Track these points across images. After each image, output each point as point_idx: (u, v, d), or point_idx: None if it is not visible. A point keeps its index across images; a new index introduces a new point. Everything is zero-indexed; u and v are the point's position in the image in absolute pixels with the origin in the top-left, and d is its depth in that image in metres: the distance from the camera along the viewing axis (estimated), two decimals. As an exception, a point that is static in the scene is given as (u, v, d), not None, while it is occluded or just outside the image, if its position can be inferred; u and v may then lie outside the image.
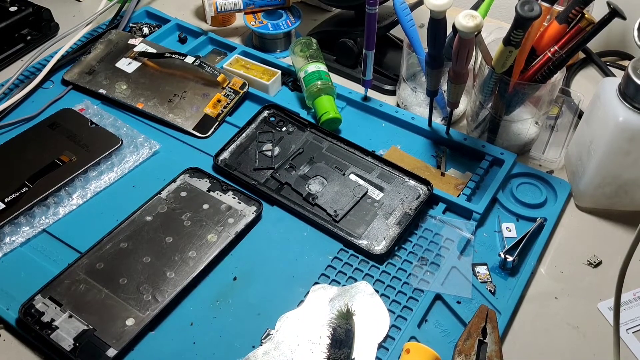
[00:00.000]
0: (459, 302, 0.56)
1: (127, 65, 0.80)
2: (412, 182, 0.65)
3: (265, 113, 0.73)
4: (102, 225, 0.61)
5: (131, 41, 0.83)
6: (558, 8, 0.63)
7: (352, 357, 0.51)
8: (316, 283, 0.57)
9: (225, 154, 0.69)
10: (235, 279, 0.58)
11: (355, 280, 0.58)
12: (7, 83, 0.77)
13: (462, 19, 0.56)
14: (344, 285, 0.57)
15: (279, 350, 0.52)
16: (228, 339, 0.53)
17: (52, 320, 0.53)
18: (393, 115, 0.74)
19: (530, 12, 0.54)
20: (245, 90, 0.77)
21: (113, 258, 0.58)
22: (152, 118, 0.74)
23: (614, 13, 0.56)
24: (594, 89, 0.63)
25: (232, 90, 0.77)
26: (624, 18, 0.56)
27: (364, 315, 0.54)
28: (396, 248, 0.60)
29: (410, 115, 0.74)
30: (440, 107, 0.76)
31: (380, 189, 0.65)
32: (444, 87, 0.71)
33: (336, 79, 0.81)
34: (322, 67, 0.76)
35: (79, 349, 0.51)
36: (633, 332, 0.55)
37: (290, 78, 0.80)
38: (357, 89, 0.78)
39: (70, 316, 0.53)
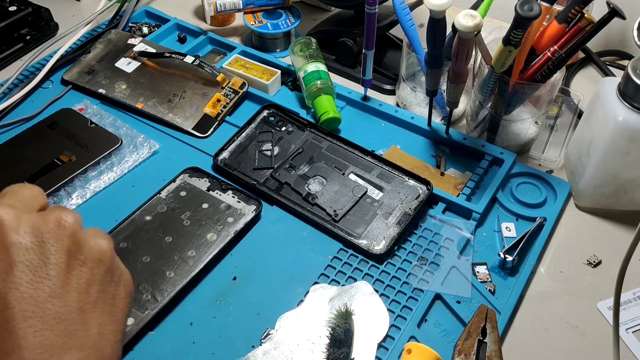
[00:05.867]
0: (458, 302, 0.56)
1: (126, 65, 0.80)
2: (411, 182, 0.65)
3: (265, 113, 0.73)
4: (101, 225, 0.60)
5: (131, 41, 0.83)
6: (558, 8, 0.63)
7: (352, 357, 0.51)
8: (316, 283, 0.57)
9: (225, 154, 0.69)
10: (234, 278, 0.58)
11: (355, 280, 0.58)
12: (7, 83, 0.77)
13: (462, 18, 0.56)
14: (343, 285, 0.57)
15: (279, 350, 0.52)
16: (228, 339, 0.53)
17: (52, 320, 0.53)
18: (393, 114, 0.74)
19: (530, 11, 0.54)
20: (244, 89, 0.77)
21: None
22: (151, 118, 0.74)
23: (614, 13, 0.56)
24: (594, 89, 0.63)
25: (231, 90, 0.77)
26: (623, 18, 0.56)
27: (363, 315, 0.54)
28: (396, 248, 0.60)
29: (409, 114, 0.74)
30: (440, 107, 0.76)
31: (380, 188, 0.65)
32: (444, 86, 0.71)
33: (336, 78, 0.81)
34: (321, 66, 0.76)
35: (79, 348, 0.51)
36: (633, 332, 0.55)
37: (289, 78, 0.80)
38: (356, 89, 0.78)
39: (70, 316, 0.53)
